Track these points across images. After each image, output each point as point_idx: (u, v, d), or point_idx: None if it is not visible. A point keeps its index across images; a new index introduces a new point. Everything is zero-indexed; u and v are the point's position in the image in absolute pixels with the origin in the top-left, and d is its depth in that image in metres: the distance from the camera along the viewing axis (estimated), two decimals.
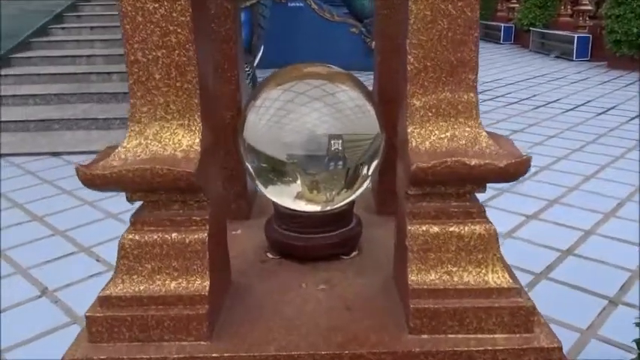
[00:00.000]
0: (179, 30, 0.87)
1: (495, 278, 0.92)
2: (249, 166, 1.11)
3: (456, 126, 0.90)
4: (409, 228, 0.93)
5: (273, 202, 1.21)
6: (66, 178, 4.09)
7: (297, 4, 7.97)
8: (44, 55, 6.72)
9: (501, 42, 12.55)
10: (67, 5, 8.18)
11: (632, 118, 5.55)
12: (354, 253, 1.23)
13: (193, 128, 0.91)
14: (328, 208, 1.15)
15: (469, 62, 0.88)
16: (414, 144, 0.89)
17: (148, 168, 0.87)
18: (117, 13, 7.22)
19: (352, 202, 1.20)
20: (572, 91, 7.06)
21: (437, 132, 0.90)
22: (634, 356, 1.81)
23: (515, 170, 0.85)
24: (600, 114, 5.84)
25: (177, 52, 0.88)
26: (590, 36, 9.68)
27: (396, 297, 1.05)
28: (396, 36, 1.27)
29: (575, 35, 9.77)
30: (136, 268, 0.94)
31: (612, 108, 6.05)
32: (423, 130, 0.90)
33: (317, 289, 1.10)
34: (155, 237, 0.94)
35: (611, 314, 2.19)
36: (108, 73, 6.11)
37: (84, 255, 2.90)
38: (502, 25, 12.72)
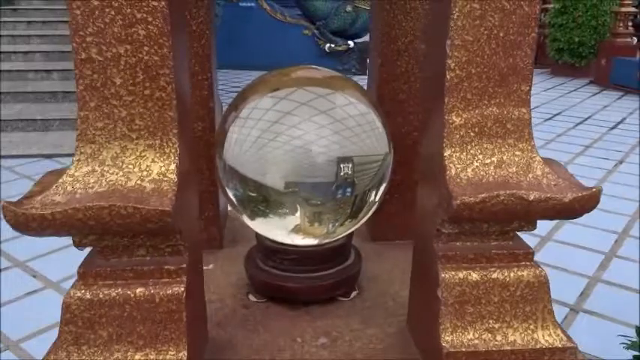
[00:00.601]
0: (150, 19, 0.65)
1: (547, 336, 0.75)
2: (231, 194, 0.89)
3: (504, 149, 0.72)
4: (443, 275, 0.74)
5: (257, 233, 1.00)
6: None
7: (249, 4, 7.68)
8: None
9: None
10: None
11: (578, 124, 5.65)
12: (354, 294, 1.03)
13: (167, 150, 0.69)
14: (326, 241, 0.95)
15: (522, 70, 0.70)
16: (453, 172, 0.70)
17: (106, 206, 0.64)
18: (57, 7, 6.71)
19: (351, 233, 1.00)
20: None
21: (481, 156, 0.71)
22: None
23: (581, 206, 0.68)
24: (547, 120, 5.92)
25: (146, 48, 0.66)
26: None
27: (416, 353, 0.86)
28: (399, 37, 1.09)
29: None
30: (86, 336, 0.71)
31: (558, 114, 6.14)
32: (464, 154, 0.71)
33: (316, 344, 0.89)
34: (113, 294, 0.71)
35: (573, 322, 2.12)
36: (47, 70, 5.63)
37: (18, 270, 2.56)
38: None
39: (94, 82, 0.66)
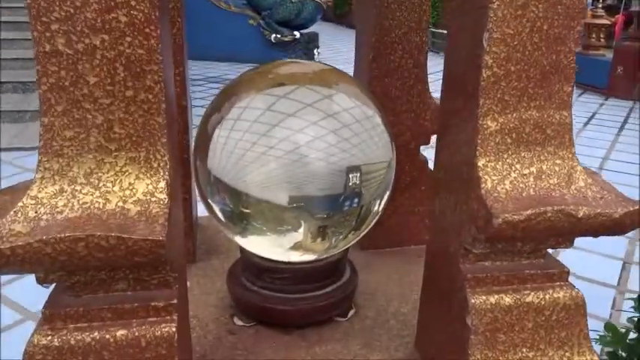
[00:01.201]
0: (133, 2, 0.52)
1: None
2: (217, 208, 0.77)
3: (543, 157, 0.63)
4: (473, 301, 0.66)
5: (242, 247, 0.88)
6: None
7: None
8: None
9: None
10: None
11: None
12: (351, 313, 0.93)
13: (155, 164, 0.56)
14: (325, 256, 0.85)
15: (565, 68, 0.62)
16: (489, 184, 0.61)
17: (83, 237, 0.51)
18: None
19: (347, 247, 0.90)
20: None
21: (518, 166, 0.63)
22: None
23: (631, 222, 0.61)
24: None
25: (129, 39, 0.53)
26: None
27: None
28: (393, 28, 0.99)
29: None
30: None
31: None
32: (500, 163, 0.62)
33: None
34: (88, 339, 0.58)
35: None
36: None
37: None
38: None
39: (62, 81, 0.53)
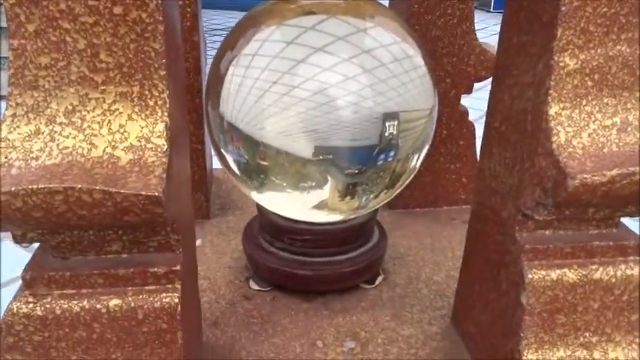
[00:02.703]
0: None
1: None
2: (231, 159, 0.67)
3: (630, 105, 0.51)
4: (530, 276, 0.55)
5: (260, 205, 0.79)
6: None
7: None
8: None
9: None
10: None
11: None
12: (380, 279, 0.84)
13: (152, 102, 0.46)
14: (353, 216, 0.75)
15: None
16: (562, 137, 0.50)
17: (61, 189, 0.41)
18: None
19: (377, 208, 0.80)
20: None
21: (599, 115, 0.51)
22: None
23: None
24: None
25: None
26: None
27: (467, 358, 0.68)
28: None
29: None
30: None
31: None
32: (578, 111, 0.50)
33: (343, 349, 0.70)
34: (76, 308, 0.49)
35: None
36: None
37: None
38: None
39: None
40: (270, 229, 0.79)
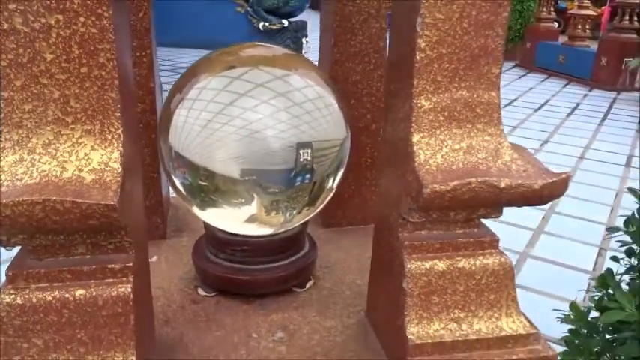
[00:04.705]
0: None
1: (510, 323, 0.74)
2: (178, 182, 0.82)
3: (473, 134, 0.69)
4: (409, 266, 0.71)
5: (206, 223, 0.93)
6: None
7: None
8: None
9: None
10: None
11: (505, 106, 5.83)
12: (310, 284, 0.99)
13: (109, 137, 0.61)
14: (282, 230, 0.90)
15: (494, 51, 0.67)
16: (422, 158, 0.67)
17: (40, 201, 0.55)
18: None
19: (306, 221, 0.96)
20: None
21: (450, 142, 0.68)
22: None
23: (549, 193, 0.67)
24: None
25: (82, 19, 0.57)
26: None
27: (376, 343, 0.83)
28: (353, 15, 1.04)
29: None
30: (18, 345, 0.62)
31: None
32: (433, 139, 0.68)
33: (273, 339, 0.84)
34: (49, 298, 0.63)
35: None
36: None
37: None
38: None
39: (20, 58, 0.57)
40: (214, 242, 0.93)
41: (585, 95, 6.07)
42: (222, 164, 0.75)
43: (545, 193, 0.67)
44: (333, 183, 0.87)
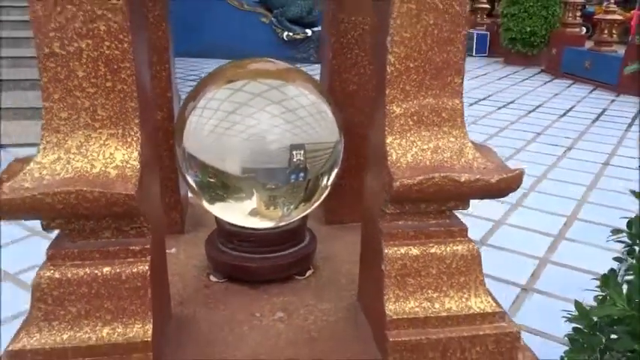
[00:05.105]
0: (110, 15, 0.69)
1: (478, 303, 0.84)
2: (190, 180, 0.95)
3: (439, 136, 0.79)
4: (386, 251, 0.82)
5: (217, 217, 1.06)
6: None
7: None
8: None
9: None
10: None
11: (530, 112, 5.84)
12: (309, 272, 1.10)
13: (129, 139, 0.74)
14: (282, 223, 1.01)
15: (455, 64, 0.78)
16: (394, 157, 0.78)
17: (73, 191, 0.68)
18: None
19: (305, 216, 1.07)
20: (473, 85, 7.33)
21: (419, 143, 0.79)
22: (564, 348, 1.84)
23: (506, 186, 0.77)
24: (500, 108, 6.08)
25: (107, 43, 0.70)
26: (488, 33, 10.14)
27: (365, 324, 0.94)
28: (349, 30, 1.16)
29: (475, 32, 10.21)
30: (56, 312, 0.75)
31: (511, 102, 6.32)
32: (404, 140, 0.79)
33: (274, 318, 0.96)
34: (81, 273, 0.76)
35: (524, 301, 2.23)
36: None
37: (11, 284, 2.31)
38: None
39: (58, 75, 0.71)
40: (224, 234, 1.06)
41: (612, 101, 6.04)
42: (226, 163, 0.87)
43: (502, 186, 0.76)
44: (328, 181, 0.99)
